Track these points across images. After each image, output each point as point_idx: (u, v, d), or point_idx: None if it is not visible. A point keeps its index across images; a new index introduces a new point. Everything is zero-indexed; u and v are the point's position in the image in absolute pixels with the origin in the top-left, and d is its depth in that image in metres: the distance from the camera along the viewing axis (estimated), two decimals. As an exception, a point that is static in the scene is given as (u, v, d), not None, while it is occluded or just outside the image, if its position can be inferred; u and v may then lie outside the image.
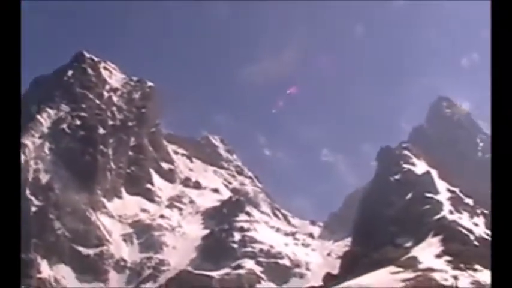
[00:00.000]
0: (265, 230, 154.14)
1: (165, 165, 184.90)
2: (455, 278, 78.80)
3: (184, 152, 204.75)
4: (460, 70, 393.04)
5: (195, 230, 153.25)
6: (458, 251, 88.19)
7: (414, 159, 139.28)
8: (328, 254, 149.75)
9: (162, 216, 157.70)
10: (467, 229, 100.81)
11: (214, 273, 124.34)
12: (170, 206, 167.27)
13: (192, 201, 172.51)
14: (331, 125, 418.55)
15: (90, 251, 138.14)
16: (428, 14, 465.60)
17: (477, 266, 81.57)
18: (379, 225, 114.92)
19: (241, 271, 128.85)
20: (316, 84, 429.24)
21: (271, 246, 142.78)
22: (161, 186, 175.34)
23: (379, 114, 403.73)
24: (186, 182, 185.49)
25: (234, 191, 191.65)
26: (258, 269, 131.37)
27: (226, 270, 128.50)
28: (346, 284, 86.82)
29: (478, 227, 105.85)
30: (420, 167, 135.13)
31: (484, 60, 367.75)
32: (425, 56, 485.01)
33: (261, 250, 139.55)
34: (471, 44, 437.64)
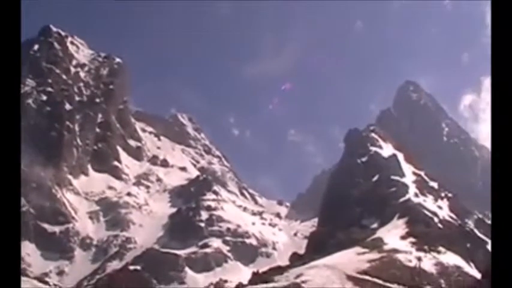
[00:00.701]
0: (232, 209, 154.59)
1: (132, 143, 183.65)
2: (419, 259, 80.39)
3: (152, 130, 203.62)
4: (431, 56, 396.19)
5: (162, 208, 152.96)
6: (422, 233, 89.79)
7: (381, 142, 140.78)
8: (295, 234, 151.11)
9: (128, 194, 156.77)
10: (432, 212, 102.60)
11: (181, 252, 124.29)
12: (137, 183, 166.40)
13: (159, 180, 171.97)
14: (299, 106, 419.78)
15: (56, 228, 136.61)
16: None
17: (440, 248, 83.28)
18: (346, 207, 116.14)
19: (208, 250, 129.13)
20: (287, 66, 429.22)
21: (238, 226, 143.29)
22: (128, 164, 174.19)
23: (348, 97, 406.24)
24: (154, 160, 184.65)
25: (201, 169, 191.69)
26: (224, 248, 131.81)
27: (193, 248, 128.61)
28: (312, 263, 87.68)
29: (442, 210, 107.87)
30: (387, 150, 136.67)
31: (454, 50, 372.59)
32: (396, 41, 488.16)
33: (228, 229, 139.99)
34: (442, 32, 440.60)
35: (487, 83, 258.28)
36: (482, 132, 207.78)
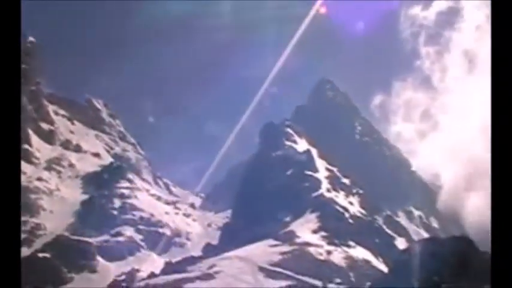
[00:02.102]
0: (146, 197, 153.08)
1: (44, 126, 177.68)
2: (329, 252, 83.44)
3: (66, 113, 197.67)
4: (349, 54, 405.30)
5: (74, 195, 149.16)
6: (333, 227, 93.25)
7: (296, 137, 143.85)
8: (209, 225, 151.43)
9: (39, 179, 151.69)
10: (343, 207, 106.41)
11: (92, 240, 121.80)
12: (48, 168, 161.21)
13: (71, 165, 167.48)
14: (217, 97, 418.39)
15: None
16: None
17: (350, 243, 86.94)
18: (260, 199, 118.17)
19: (120, 238, 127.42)
20: (207, 58, 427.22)
21: (152, 215, 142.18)
22: (39, 148, 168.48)
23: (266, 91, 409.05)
24: (66, 144, 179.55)
25: (115, 156, 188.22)
26: (137, 237, 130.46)
27: (106, 237, 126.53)
28: (225, 255, 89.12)
29: (353, 205, 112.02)
30: (301, 145, 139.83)
31: (371, 48, 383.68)
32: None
33: (142, 218, 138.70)
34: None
35: (397, 85, 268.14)
36: (393, 133, 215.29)
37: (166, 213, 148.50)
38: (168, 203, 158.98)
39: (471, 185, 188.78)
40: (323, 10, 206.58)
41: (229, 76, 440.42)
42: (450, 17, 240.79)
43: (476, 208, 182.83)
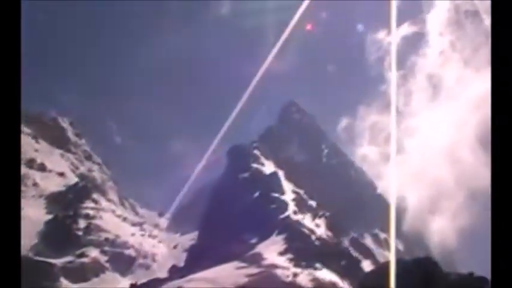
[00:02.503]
0: (111, 218, 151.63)
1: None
2: (296, 275, 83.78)
3: (30, 131, 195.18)
4: (313, 78, 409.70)
5: (38, 215, 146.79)
6: (300, 249, 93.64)
7: (263, 159, 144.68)
8: (175, 247, 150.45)
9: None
10: (310, 229, 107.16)
11: (56, 261, 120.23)
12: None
13: (35, 184, 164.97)
14: (184, 117, 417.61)
15: None
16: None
17: (317, 265, 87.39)
18: (226, 221, 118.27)
19: (85, 259, 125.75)
20: (172, 77, 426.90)
21: (117, 236, 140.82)
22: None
23: (236, 113, 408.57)
24: (30, 163, 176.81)
25: (81, 176, 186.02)
26: (102, 258, 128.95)
27: (70, 258, 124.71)
28: (191, 277, 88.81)
29: (320, 228, 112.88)
30: (268, 167, 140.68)
31: (335, 74, 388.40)
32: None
33: (107, 239, 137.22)
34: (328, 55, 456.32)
35: (361, 109, 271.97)
36: (358, 156, 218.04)
37: (132, 234, 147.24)
38: (134, 224, 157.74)
39: (435, 207, 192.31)
40: (309, 27, 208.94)
41: (197, 96, 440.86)
42: (415, 42, 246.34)
43: (439, 229, 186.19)
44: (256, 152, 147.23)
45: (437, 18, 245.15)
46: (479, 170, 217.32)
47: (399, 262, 47.92)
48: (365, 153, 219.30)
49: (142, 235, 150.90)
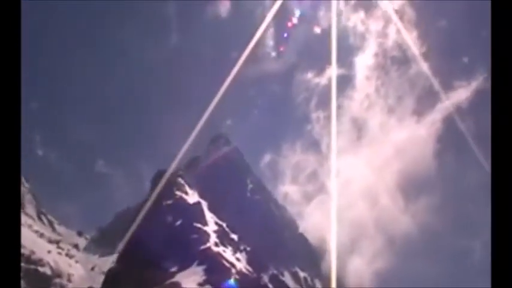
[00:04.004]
0: (28, 233, 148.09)
1: None
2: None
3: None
4: (243, 112, 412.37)
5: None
6: (219, 282, 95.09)
7: (187, 188, 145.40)
8: (92, 268, 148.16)
9: None
10: (230, 263, 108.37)
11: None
12: None
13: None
14: (111, 137, 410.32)
15: None
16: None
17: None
18: (147, 247, 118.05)
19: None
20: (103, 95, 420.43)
21: (33, 252, 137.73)
22: None
23: (160, 137, 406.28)
24: None
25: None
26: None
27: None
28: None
29: (240, 262, 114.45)
30: (192, 196, 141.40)
31: (266, 108, 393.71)
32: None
33: (22, 255, 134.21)
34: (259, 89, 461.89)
35: (285, 147, 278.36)
36: (281, 193, 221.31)
37: (49, 251, 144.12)
38: (51, 241, 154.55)
39: (353, 248, 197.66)
40: (281, 48, 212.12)
41: (123, 116, 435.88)
42: (341, 84, 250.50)
43: (356, 270, 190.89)
44: (180, 180, 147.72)
45: (364, 61, 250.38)
46: (397, 216, 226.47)
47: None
48: (287, 192, 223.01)
49: (59, 253, 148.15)
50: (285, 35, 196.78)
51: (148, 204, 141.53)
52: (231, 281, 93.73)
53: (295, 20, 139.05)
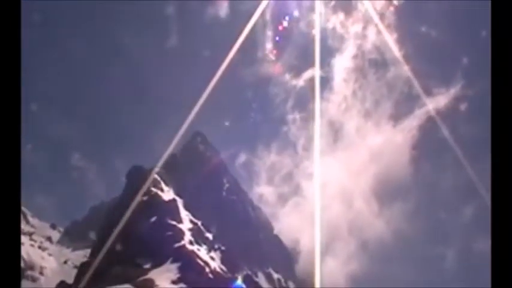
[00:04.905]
0: None
1: None
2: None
3: None
4: (217, 109, 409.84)
5: None
6: (193, 280, 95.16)
7: (163, 185, 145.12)
8: (65, 262, 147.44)
9: None
10: (204, 261, 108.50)
11: None
12: None
13: None
14: (89, 132, 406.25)
15: None
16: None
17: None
18: (121, 242, 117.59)
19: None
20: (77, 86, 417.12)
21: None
22: None
23: (139, 134, 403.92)
24: None
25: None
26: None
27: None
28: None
29: (214, 261, 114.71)
30: (168, 193, 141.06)
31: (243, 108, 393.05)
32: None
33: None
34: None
35: (261, 148, 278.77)
36: (256, 194, 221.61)
37: (21, 243, 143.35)
38: (23, 233, 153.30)
39: (327, 250, 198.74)
40: (274, 51, 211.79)
41: (98, 109, 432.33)
42: (319, 85, 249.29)
43: (330, 273, 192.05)
44: (156, 176, 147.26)
45: (342, 63, 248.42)
46: (372, 220, 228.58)
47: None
48: (262, 193, 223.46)
49: (32, 245, 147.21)
50: (277, 38, 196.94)
51: (124, 199, 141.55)
52: (238, 282, 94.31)
53: (285, 24, 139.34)
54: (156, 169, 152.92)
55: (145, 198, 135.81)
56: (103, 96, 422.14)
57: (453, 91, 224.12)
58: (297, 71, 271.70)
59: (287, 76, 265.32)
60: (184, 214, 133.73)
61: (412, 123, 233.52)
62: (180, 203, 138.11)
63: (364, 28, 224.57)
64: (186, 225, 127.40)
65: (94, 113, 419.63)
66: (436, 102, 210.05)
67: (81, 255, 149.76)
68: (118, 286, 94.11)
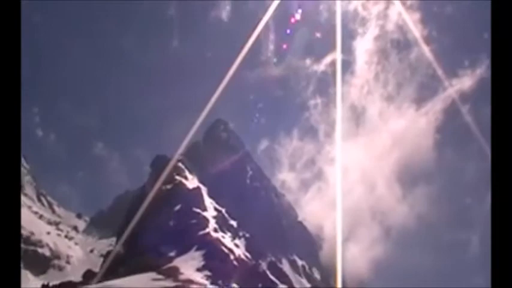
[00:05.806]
0: (27, 214, 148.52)
1: None
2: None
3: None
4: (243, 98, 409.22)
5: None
6: (217, 268, 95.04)
7: (187, 173, 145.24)
8: (91, 251, 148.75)
9: None
10: (229, 249, 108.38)
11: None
12: None
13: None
14: (111, 121, 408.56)
15: None
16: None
17: (234, 285, 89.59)
18: (146, 231, 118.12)
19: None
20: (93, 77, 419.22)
21: (32, 233, 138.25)
22: None
23: (158, 124, 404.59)
24: None
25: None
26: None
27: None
28: (106, 283, 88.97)
29: (239, 248, 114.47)
30: (192, 181, 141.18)
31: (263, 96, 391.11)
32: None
33: (21, 236, 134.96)
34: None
35: (282, 134, 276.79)
36: (279, 181, 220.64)
37: (48, 233, 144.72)
38: (50, 223, 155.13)
39: (350, 236, 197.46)
40: (285, 46, 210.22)
41: (119, 99, 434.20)
42: (340, 69, 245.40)
43: (353, 259, 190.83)
44: (180, 164, 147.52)
45: (364, 46, 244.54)
46: (394, 205, 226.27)
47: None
48: (284, 179, 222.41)
49: (59, 235, 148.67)
50: (288, 31, 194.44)
51: (148, 188, 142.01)
52: None
53: (298, 16, 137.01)
54: (179, 156, 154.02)
55: (169, 186, 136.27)
56: (123, 86, 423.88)
57: (479, 71, 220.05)
58: (318, 56, 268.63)
59: (308, 61, 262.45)
60: (209, 202, 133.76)
61: (436, 106, 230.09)
62: (204, 190, 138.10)
63: (386, 8, 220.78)
64: (210, 213, 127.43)
65: (114, 102, 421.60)
66: (461, 83, 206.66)
67: (106, 244, 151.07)
68: (143, 274, 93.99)
